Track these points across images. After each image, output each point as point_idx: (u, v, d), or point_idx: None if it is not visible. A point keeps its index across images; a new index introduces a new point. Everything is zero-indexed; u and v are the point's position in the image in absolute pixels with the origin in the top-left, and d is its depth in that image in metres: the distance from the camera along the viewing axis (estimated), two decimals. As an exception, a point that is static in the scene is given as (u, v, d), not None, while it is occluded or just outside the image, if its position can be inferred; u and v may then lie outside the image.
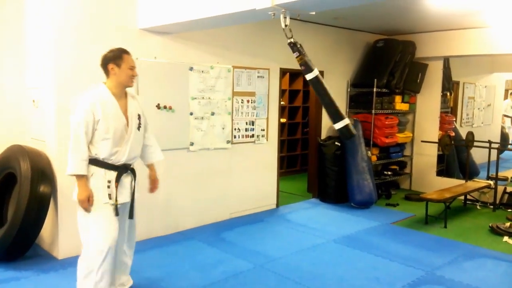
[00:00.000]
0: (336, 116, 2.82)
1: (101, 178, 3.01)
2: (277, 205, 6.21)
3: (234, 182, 5.62)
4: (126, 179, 3.12)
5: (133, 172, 3.18)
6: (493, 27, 6.30)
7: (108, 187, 3.00)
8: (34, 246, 4.28)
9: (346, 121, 2.80)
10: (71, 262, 4.06)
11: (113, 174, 3.03)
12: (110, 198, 3.00)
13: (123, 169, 3.08)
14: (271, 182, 6.11)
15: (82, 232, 3.04)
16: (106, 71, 3.04)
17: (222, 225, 5.34)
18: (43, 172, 4.06)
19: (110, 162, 3.02)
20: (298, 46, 3.01)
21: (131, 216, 3.19)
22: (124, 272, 3.40)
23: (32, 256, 4.22)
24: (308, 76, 2.89)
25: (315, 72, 2.89)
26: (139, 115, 3.15)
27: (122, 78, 3.02)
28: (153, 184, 3.41)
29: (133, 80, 3.07)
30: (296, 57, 2.97)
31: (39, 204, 3.96)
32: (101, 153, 2.98)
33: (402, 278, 3.90)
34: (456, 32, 6.68)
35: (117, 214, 3.04)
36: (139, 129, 3.13)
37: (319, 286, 3.73)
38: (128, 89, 3.16)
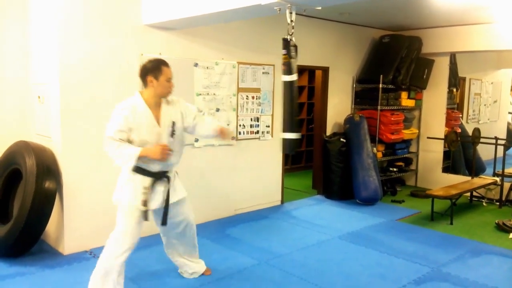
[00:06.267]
0: (290, 126, 2.89)
1: (137, 183, 3.06)
2: (282, 202, 6.20)
3: (238, 179, 5.61)
4: (160, 186, 3.14)
5: (169, 179, 3.19)
6: (500, 23, 6.24)
7: (144, 193, 3.05)
8: (40, 242, 4.29)
9: (296, 135, 2.87)
10: (77, 258, 4.09)
11: (148, 180, 3.08)
12: (145, 204, 3.05)
13: (159, 176, 3.12)
14: (276, 179, 6.10)
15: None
16: (145, 82, 3.10)
17: (226, 221, 5.33)
18: (48, 168, 4.06)
19: (146, 168, 3.06)
20: (292, 45, 2.97)
21: (163, 223, 3.22)
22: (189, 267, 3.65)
23: (37, 252, 4.23)
24: (284, 78, 2.90)
25: (293, 77, 2.91)
26: (173, 123, 3.15)
27: (159, 90, 3.08)
28: (223, 135, 3.36)
29: (170, 92, 3.13)
30: (283, 55, 2.97)
31: (45, 200, 3.97)
32: None
33: (408, 275, 3.89)
34: (463, 28, 6.63)
35: (146, 219, 3.10)
36: (172, 136, 3.14)
37: (324, 283, 3.72)
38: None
